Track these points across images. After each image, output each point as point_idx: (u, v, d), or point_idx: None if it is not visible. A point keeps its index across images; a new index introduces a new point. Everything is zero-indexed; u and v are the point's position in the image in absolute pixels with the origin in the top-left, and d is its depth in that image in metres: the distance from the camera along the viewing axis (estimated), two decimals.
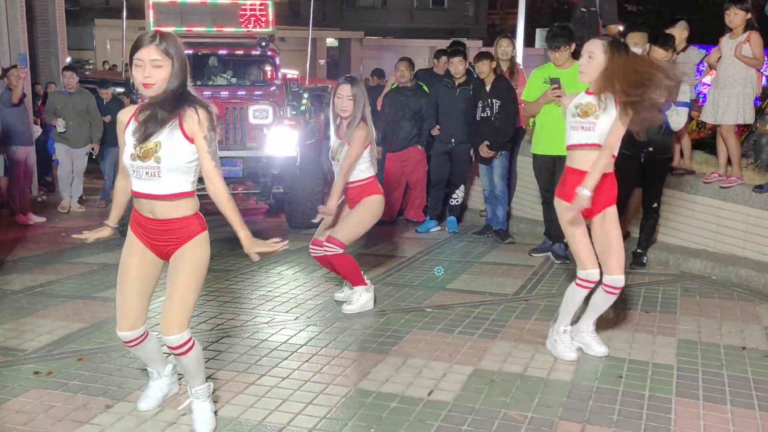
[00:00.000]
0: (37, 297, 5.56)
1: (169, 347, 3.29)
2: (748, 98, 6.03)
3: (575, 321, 4.45)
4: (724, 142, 6.29)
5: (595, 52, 4.03)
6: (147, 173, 3.15)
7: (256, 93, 8.70)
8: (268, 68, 9.46)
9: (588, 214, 4.19)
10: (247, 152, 7.96)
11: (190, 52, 9.14)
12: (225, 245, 7.44)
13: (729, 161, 6.40)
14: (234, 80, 9.28)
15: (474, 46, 30.49)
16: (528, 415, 3.58)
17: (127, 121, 3.21)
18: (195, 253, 3.29)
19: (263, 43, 9.14)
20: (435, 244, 7.50)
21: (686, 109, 5.99)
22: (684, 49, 6.66)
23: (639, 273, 6.25)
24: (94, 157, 10.23)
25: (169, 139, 3.12)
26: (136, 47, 3.10)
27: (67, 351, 4.40)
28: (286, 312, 5.21)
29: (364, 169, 5.12)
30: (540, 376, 4.06)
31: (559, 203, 4.28)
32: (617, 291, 4.23)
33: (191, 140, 3.14)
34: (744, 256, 6.20)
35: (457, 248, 7.38)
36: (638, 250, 6.43)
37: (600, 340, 4.43)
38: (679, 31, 6.68)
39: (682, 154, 6.82)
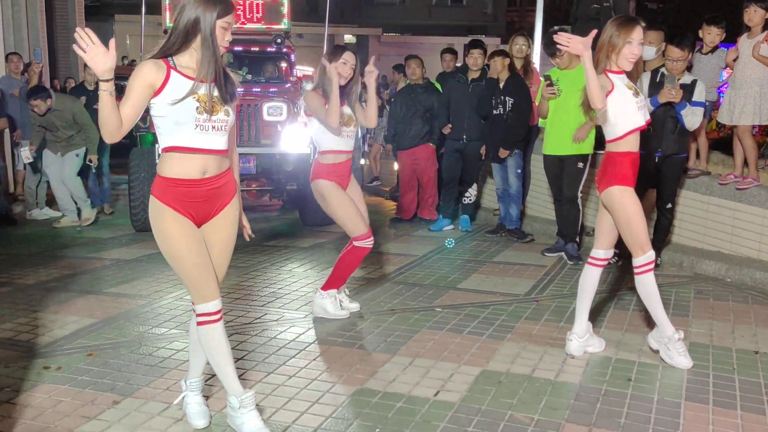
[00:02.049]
0: (50, 292, 5.60)
1: (212, 313, 3.28)
2: (765, 99, 5.95)
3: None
4: (740, 143, 6.22)
5: None
6: (214, 127, 3.15)
7: (271, 90, 8.73)
8: (283, 65, 9.49)
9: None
10: (260, 149, 8.00)
11: None
12: (237, 242, 7.47)
13: (746, 162, 6.33)
14: (249, 77, 9.30)
15: (492, 43, 30.38)
16: (534, 417, 3.55)
17: (166, 75, 3.07)
18: (235, 215, 3.37)
19: (279, 40, 9.16)
20: (447, 243, 7.47)
21: (702, 109, 5.92)
22: (712, 51, 6.51)
23: None
24: (94, 171, 8.96)
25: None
26: (224, 10, 3.11)
27: (78, 346, 4.43)
28: (296, 309, 5.22)
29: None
30: (548, 377, 4.03)
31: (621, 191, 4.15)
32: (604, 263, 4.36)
33: None
34: (759, 258, 6.13)
35: (470, 247, 7.35)
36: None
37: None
38: (720, 32, 6.47)
39: (698, 155, 6.75)
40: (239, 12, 9.15)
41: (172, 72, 3.10)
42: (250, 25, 9.31)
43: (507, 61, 7.45)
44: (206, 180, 3.20)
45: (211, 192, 3.24)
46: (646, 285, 4.19)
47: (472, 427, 3.45)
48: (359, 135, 12.06)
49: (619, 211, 4.15)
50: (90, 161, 8.60)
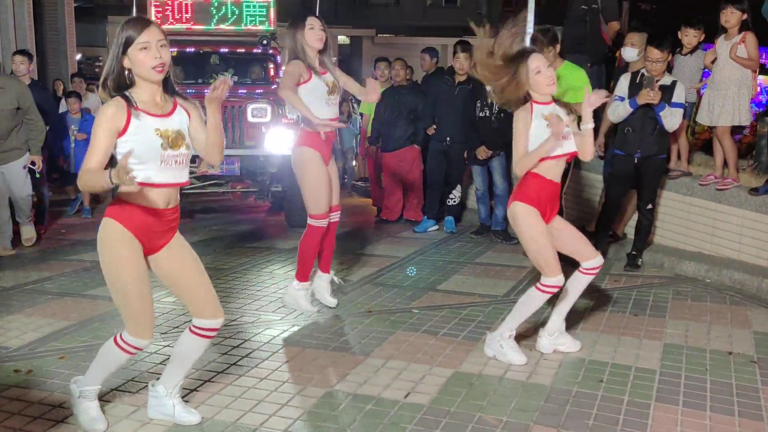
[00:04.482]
0: (28, 294, 5.59)
1: (213, 330, 3.34)
2: (743, 99, 5.95)
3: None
4: (720, 144, 6.22)
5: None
6: (176, 162, 3.16)
7: (256, 91, 8.74)
8: (269, 66, 9.49)
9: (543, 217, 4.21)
10: (245, 150, 8.00)
11: (192, 49, 9.20)
12: (219, 244, 7.48)
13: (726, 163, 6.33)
14: (235, 78, 9.29)
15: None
16: (503, 419, 3.55)
17: (126, 115, 3.05)
18: (181, 238, 3.37)
19: (264, 42, 9.17)
20: (431, 244, 7.48)
21: (681, 110, 5.92)
22: (692, 51, 6.51)
23: (632, 275, 6.20)
24: (37, 176, 7.35)
25: (184, 126, 3.21)
26: (134, 33, 3.02)
27: (51, 349, 4.42)
28: (273, 312, 5.21)
29: None
30: (519, 379, 4.03)
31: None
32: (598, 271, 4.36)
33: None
34: (739, 259, 6.13)
35: (453, 248, 7.35)
36: (633, 252, 6.37)
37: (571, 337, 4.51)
38: (698, 33, 6.46)
39: (679, 156, 6.74)
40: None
41: (132, 111, 3.07)
42: (236, 27, 9.35)
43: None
44: (169, 210, 3.23)
45: (171, 222, 3.27)
46: (535, 300, 4.20)
47: (440, 429, 3.45)
48: (353, 133, 12.09)
49: (521, 230, 4.18)
50: (32, 164, 7.02)
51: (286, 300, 5.11)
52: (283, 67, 4.91)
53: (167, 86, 3.21)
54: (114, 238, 3.14)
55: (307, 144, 4.86)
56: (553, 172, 4.14)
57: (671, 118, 5.85)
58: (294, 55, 4.78)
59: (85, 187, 3.10)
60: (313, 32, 4.75)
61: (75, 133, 9.33)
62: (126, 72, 3.09)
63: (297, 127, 4.97)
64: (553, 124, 3.95)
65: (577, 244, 4.29)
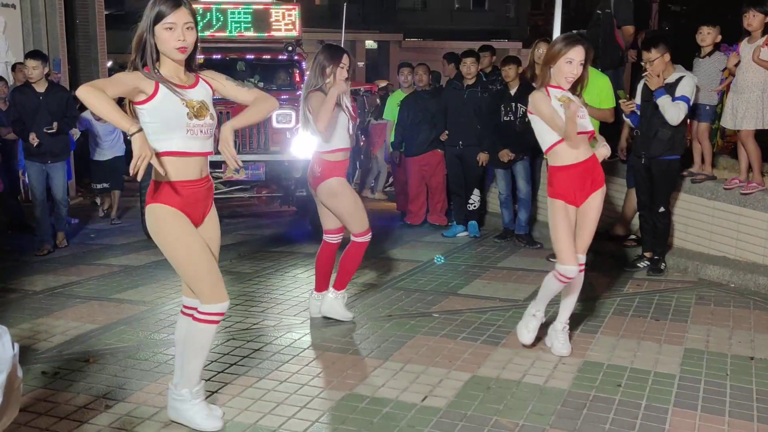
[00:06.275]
0: (56, 298, 5.71)
1: (220, 314, 3.39)
2: (767, 103, 5.90)
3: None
4: (743, 148, 6.17)
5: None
6: (202, 131, 3.28)
7: (281, 97, 8.82)
8: (295, 72, 9.58)
9: (574, 203, 4.29)
10: (270, 156, 8.08)
11: (219, 56, 9.31)
12: (244, 248, 7.57)
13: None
14: (261, 84, 9.39)
15: (514, 47, 30.24)
16: (519, 423, 3.57)
17: (155, 85, 3.18)
18: (216, 215, 3.53)
19: (290, 48, 9.27)
20: (453, 249, 7.50)
21: (684, 104, 5.84)
22: (710, 54, 6.49)
23: (654, 280, 6.17)
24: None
25: (207, 98, 3.35)
26: (164, 11, 3.14)
27: (77, 352, 4.52)
28: (294, 315, 5.28)
29: None
30: (537, 383, 4.04)
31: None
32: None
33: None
34: (764, 263, 6.08)
35: (475, 253, 7.36)
36: (655, 257, 6.34)
37: (565, 342, 4.50)
38: (713, 35, 6.47)
39: (703, 160, 6.70)
40: None
41: (160, 84, 3.22)
42: (251, 35, 9.47)
43: (520, 69, 7.47)
44: (204, 179, 3.37)
45: (207, 191, 3.41)
46: (549, 284, 4.40)
47: None
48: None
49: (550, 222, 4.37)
50: None
51: (323, 310, 5.10)
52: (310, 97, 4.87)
53: (190, 64, 3.35)
54: (164, 220, 3.28)
55: (332, 175, 4.93)
56: (571, 154, 4.20)
57: (670, 109, 5.80)
58: (316, 84, 4.85)
59: (93, 103, 2.98)
60: (341, 71, 4.85)
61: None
62: (154, 45, 3.21)
63: (316, 158, 5.02)
64: (566, 106, 4.08)
65: (580, 234, 4.35)
